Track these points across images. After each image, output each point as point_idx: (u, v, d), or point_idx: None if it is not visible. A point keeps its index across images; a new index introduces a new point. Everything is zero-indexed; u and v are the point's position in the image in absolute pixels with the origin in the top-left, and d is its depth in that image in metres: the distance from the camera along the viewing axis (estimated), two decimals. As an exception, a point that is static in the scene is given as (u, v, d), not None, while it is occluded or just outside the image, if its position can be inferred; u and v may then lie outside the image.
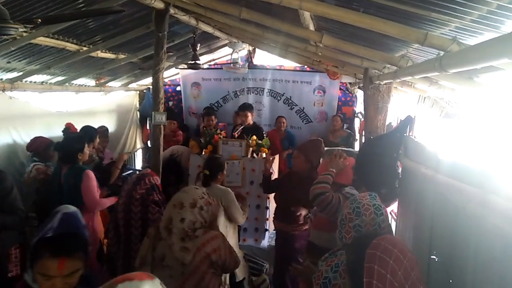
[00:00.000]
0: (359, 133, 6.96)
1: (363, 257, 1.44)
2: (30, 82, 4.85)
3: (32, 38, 3.63)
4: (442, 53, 2.13)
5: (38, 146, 4.41)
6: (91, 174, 3.71)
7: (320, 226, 3.19)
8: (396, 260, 1.40)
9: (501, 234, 1.32)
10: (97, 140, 5.07)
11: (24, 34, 3.53)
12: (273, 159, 4.65)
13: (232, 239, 3.59)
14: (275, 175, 5.29)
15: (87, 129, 4.93)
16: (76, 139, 4.00)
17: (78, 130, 4.89)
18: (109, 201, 3.85)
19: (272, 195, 5.21)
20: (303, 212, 3.88)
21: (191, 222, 2.24)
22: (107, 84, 6.55)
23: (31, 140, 4.47)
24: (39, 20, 2.30)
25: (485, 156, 3.13)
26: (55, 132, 5.05)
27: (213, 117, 6.51)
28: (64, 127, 4.89)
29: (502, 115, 3.16)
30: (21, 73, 4.54)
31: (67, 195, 3.64)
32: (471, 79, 2.72)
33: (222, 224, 3.50)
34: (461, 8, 1.93)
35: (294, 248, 3.97)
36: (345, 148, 5.72)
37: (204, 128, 5.88)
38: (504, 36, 1.45)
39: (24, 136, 4.71)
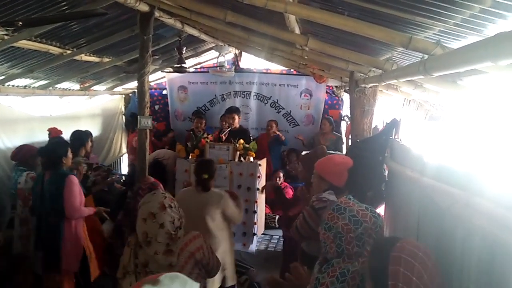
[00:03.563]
0: (345, 136, 6.99)
1: (388, 262, 1.41)
2: (13, 86, 4.76)
3: (14, 42, 3.56)
4: (426, 56, 2.14)
5: (25, 155, 4.28)
6: (75, 179, 3.63)
7: None
8: (422, 263, 1.39)
9: (486, 235, 1.33)
10: (89, 144, 4.98)
11: (6, 37, 3.46)
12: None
13: (226, 243, 3.57)
14: (262, 179, 5.27)
15: (76, 134, 4.85)
16: (59, 143, 3.92)
17: (69, 136, 4.80)
18: (88, 211, 3.77)
19: (260, 200, 5.20)
20: None
21: (171, 222, 2.20)
22: (91, 88, 6.47)
23: (16, 149, 4.33)
24: (20, 23, 2.26)
25: (470, 159, 3.17)
26: (39, 137, 4.96)
27: (203, 120, 6.67)
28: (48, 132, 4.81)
29: (486, 118, 3.21)
30: (3, 77, 4.46)
31: (49, 202, 3.56)
32: (455, 82, 2.75)
33: (218, 227, 3.48)
34: (445, 12, 1.95)
35: None
36: (333, 152, 5.73)
37: (192, 132, 5.86)
38: (487, 40, 1.47)
39: (6, 142, 4.61)
